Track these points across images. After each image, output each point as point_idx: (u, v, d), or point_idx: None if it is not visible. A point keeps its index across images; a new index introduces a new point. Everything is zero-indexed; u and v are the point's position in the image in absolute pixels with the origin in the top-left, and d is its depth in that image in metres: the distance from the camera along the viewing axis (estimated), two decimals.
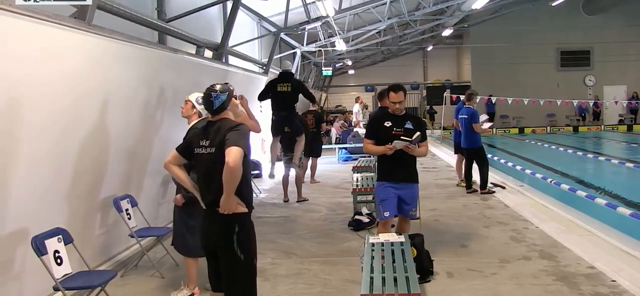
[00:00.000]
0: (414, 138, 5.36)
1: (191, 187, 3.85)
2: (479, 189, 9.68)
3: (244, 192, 3.69)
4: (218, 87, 3.76)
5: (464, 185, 10.08)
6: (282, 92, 9.22)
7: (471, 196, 9.68)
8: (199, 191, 3.79)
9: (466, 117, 9.69)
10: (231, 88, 3.84)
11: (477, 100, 10.04)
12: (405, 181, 5.58)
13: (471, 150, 9.79)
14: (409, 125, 5.49)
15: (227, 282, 3.70)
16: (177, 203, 5.04)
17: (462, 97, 10.37)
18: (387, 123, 5.51)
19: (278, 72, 9.85)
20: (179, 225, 5.15)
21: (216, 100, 3.71)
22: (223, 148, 3.50)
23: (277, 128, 9.43)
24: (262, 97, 9.57)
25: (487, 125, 10.43)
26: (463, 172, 10.33)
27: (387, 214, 5.51)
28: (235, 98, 3.96)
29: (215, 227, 3.67)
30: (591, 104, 27.22)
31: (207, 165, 3.66)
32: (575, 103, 25.30)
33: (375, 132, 5.62)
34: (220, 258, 3.71)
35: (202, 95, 5.13)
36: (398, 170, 5.54)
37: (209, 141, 3.68)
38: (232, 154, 3.42)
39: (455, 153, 11.11)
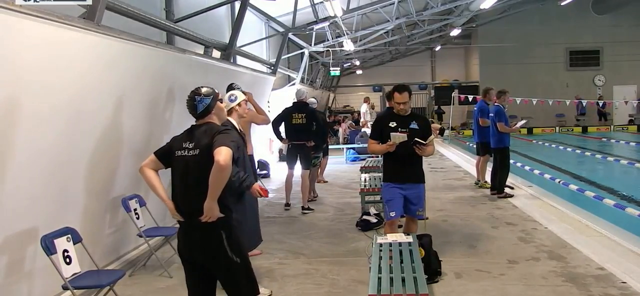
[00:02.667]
0: (428, 141, 5.33)
1: (164, 197, 3.59)
2: (493, 191, 9.52)
3: (227, 196, 3.52)
4: (203, 90, 3.62)
5: (488, 185, 9.87)
6: (296, 124, 9.10)
7: (479, 197, 9.64)
8: (176, 196, 3.57)
9: (493, 115, 9.50)
10: (216, 91, 3.70)
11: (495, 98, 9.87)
12: (411, 181, 5.54)
13: (495, 149, 9.54)
14: (414, 126, 5.44)
15: (231, 290, 3.60)
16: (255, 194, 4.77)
17: (480, 96, 10.17)
18: (392, 124, 5.46)
19: (292, 102, 9.56)
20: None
21: (200, 104, 3.58)
22: (210, 151, 3.36)
23: (291, 159, 9.26)
24: (276, 124, 9.20)
25: (520, 124, 10.17)
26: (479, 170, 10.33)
27: (393, 214, 5.48)
28: (221, 102, 3.77)
29: (197, 237, 3.50)
30: (600, 104, 27.02)
31: (189, 168, 3.49)
32: (580, 101, 25.10)
33: (379, 133, 5.57)
34: (212, 268, 3.57)
35: (231, 93, 5.08)
36: (403, 171, 5.51)
37: (194, 143, 3.52)
38: (223, 153, 3.28)
39: (477, 154, 10.80)
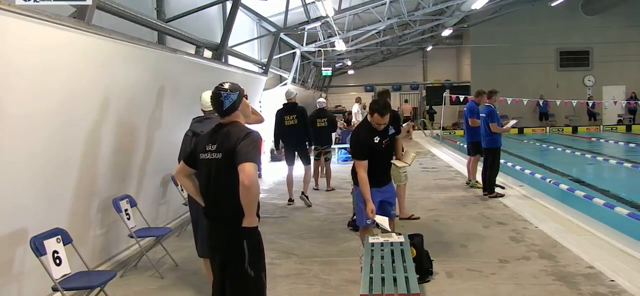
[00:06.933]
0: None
1: (201, 200, 3.61)
2: (485, 192, 9.51)
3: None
4: (227, 85, 3.47)
5: (480, 185, 9.86)
6: (289, 126, 9.42)
7: (471, 196, 9.68)
8: (204, 199, 3.56)
9: (484, 115, 9.52)
10: (241, 87, 3.56)
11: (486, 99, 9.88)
12: (387, 182, 5.69)
13: (487, 149, 9.55)
14: (391, 131, 5.59)
15: None
16: None
17: (471, 96, 10.15)
18: (376, 139, 5.43)
19: (283, 103, 9.82)
20: None
21: (226, 100, 3.43)
22: (232, 156, 3.27)
23: (289, 158, 9.58)
24: (277, 135, 9.63)
25: (511, 123, 10.11)
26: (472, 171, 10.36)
27: (369, 221, 5.45)
28: (246, 98, 3.64)
29: (222, 239, 3.44)
30: (590, 105, 27.21)
31: (212, 171, 3.42)
32: (538, 101, 25.17)
33: (366, 151, 5.43)
34: (227, 271, 3.45)
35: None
36: (381, 176, 5.58)
37: (216, 145, 3.41)
38: (247, 172, 3.19)
39: (468, 154, 10.78)
